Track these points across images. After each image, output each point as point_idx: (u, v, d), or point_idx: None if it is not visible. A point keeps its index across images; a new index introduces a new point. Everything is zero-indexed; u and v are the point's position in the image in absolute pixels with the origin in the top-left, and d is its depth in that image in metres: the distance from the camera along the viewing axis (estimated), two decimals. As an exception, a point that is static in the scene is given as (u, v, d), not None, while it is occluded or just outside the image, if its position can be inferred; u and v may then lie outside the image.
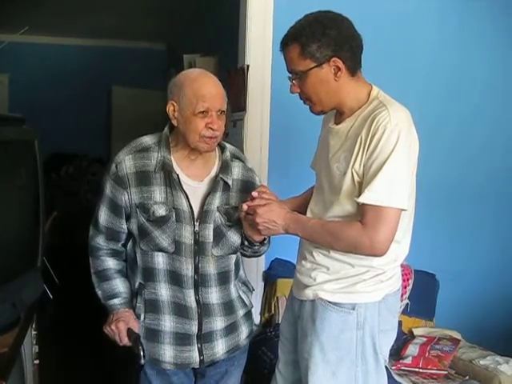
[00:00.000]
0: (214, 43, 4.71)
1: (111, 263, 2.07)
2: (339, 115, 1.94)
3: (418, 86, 3.28)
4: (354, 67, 1.86)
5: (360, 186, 1.81)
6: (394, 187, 1.75)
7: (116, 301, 2.03)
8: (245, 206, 1.92)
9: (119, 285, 2.06)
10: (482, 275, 3.45)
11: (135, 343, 1.95)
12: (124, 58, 7.11)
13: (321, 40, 1.80)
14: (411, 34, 3.27)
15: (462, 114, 3.39)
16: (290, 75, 1.90)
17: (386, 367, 2.00)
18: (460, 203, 3.45)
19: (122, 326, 1.97)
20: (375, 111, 1.80)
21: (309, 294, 1.95)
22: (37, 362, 2.51)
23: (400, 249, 1.90)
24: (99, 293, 2.06)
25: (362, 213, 1.78)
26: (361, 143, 1.80)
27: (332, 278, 1.91)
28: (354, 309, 1.88)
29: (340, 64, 1.82)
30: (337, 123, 1.93)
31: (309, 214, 2.02)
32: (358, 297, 1.88)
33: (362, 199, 1.76)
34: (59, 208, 5.42)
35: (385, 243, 1.77)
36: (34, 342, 2.49)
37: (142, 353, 1.92)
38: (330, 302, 1.90)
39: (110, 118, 7.33)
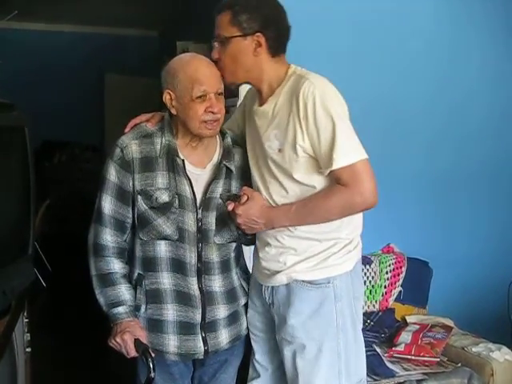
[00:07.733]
0: (208, 30, 4.66)
1: (117, 266, 1.93)
2: (260, 97, 1.95)
3: (411, 72, 3.25)
4: (275, 49, 1.90)
5: (312, 159, 1.83)
6: (353, 142, 1.81)
7: (121, 309, 1.90)
8: (230, 207, 1.90)
9: (125, 292, 1.92)
10: (475, 263, 3.46)
11: (144, 355, 1.82)
12: (117, 45, 7.06)
13: (252, 13, 1.86)
14: (404, 23, 3.25)
15: (454, 100, 3.40)
16: (215, 39, 1.93)
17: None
18: (453, 190, 3.45)
19: (129, 337, 1.85)
20: (297, 84, 1.83)
21: (282, 278, 1.94)
22: (28, 350, 2.50)
23: (357, 215, 1.92)
24: (101, 299, 1.92)
25: (336, 178, 1.80)
26: (294, 118, 1.82)
27: (302, 259, 1.92)
28: (329, 282, 1.90)
29: (262, 40, 1.87)
30: (260, 105, 1.95)
31: (271, 203, 1.96)
32: (332, 270, 1.91)
33: (335, 166, 1.77)
34: (52, 196, 5.41)
35: (373, 192, 1.80)
36: (26, 330, 2.48)
37: (151, 365, 1.80)
38: (304, 281, 1.91)
39: (102, 105, 7.29)
